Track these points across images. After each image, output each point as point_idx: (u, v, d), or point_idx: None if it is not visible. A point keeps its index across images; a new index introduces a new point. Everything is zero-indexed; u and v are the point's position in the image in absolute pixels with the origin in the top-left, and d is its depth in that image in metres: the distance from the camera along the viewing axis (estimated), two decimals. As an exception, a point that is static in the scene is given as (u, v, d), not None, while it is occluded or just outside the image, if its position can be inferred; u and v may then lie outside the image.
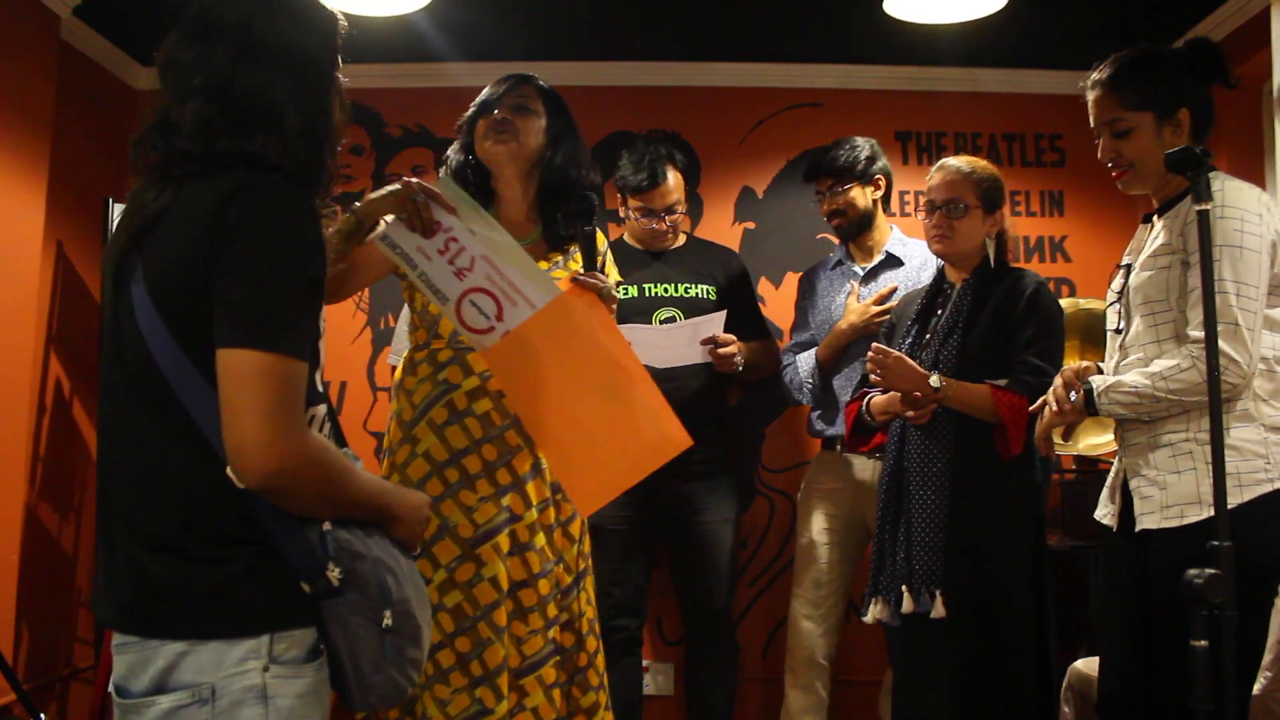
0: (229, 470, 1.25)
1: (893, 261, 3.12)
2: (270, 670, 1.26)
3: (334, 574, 1.28)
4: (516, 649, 2.24)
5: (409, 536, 1.45)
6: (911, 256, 3.11)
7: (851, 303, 3.07)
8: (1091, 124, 2.19)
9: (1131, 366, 2.11)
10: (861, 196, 3.11)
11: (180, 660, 1.25)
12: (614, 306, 2.29)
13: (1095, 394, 2.08)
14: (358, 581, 1.30)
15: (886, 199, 3.20)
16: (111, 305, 1.38)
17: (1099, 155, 2.19)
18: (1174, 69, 2.13)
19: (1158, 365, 2.03)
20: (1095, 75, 2.17)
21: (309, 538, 1.28)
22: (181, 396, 1.27)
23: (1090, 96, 2.18)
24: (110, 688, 1.33)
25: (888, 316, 2.96)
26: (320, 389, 1.40)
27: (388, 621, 1.32)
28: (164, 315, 1.28)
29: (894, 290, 3.02)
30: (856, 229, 3.14)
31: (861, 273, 3.14)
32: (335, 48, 1.46)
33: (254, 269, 1.24)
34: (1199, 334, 1.95)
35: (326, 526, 1.29)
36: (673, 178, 3.08)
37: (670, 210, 3.09)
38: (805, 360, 3.14)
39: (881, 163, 3.14)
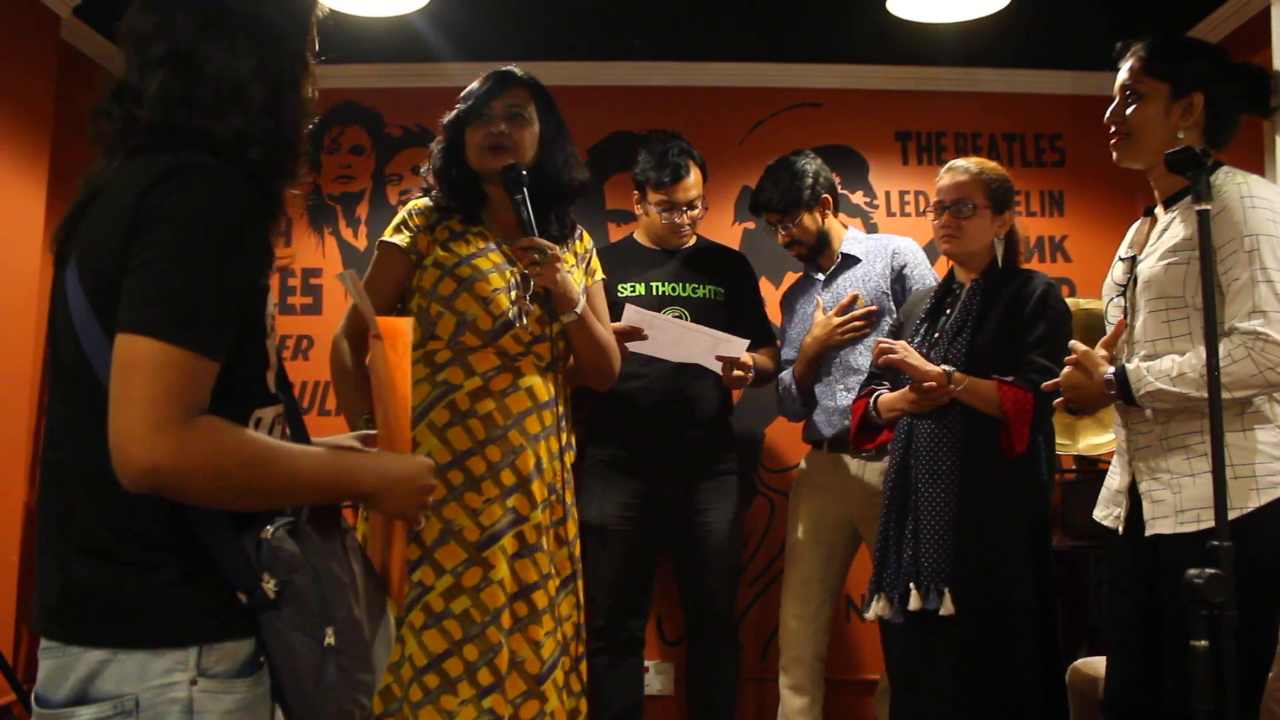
0: None
1: (849, 261, 3.15)
2: (198, 684, 1.18)
3: (269, 585, 1.19)
4: (535, 654, 2.22)
5: (401, 510, 1.36)
6: (867, 252, 3.15)
7: (818, 316, 3.11)
8: (1114, 89, 2.17)
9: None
10: (812, 221, 3.13)
11: (102, 669, 1.18)
12: (558, 277, 2.26)
13: (1136, 393, 2.01)
14: (295, 595, 1.21)
15: (837, 206, 3.22)
16: (51, 290, 1.29)
17: (1105, 118, 2.17)
18: (1208, 58, 2.12)
19: (1198, 359, 1.94)
20: (1134, 44, 2.15)
21: (244, 545, 1.20)
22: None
23: (1123, 65, 2.16)
24: (32, 697, 1.25)
25: (856, 324, 3.01)
26: (273, 390, 1.32)
27: (330, 640, 1.23)
28: (92, 303, 1.20)
29: (854, 299, 3.06)
30: (816, 251, 3.18)
31: (822, 278, 3.18)
32: (307, 25, 1.37)
33: (162, 255, 1.15)
34: (1247, 324, 1.92)
35: (266, 534, 1.20)
36: (694, 173, 3.10)
37: (691, 205, 3.10)
38: (784, 379, 3.19)
39: (823, 180, 3.14)
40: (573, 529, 2.39)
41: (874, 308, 3.04)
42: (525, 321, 2.29)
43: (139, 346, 1.13)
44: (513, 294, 2.29)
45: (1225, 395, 1.92)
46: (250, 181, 1.24)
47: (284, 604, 1.20)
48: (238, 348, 1.22)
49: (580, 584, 2.40)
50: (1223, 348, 1.93)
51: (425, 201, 2.42)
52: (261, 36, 1.29)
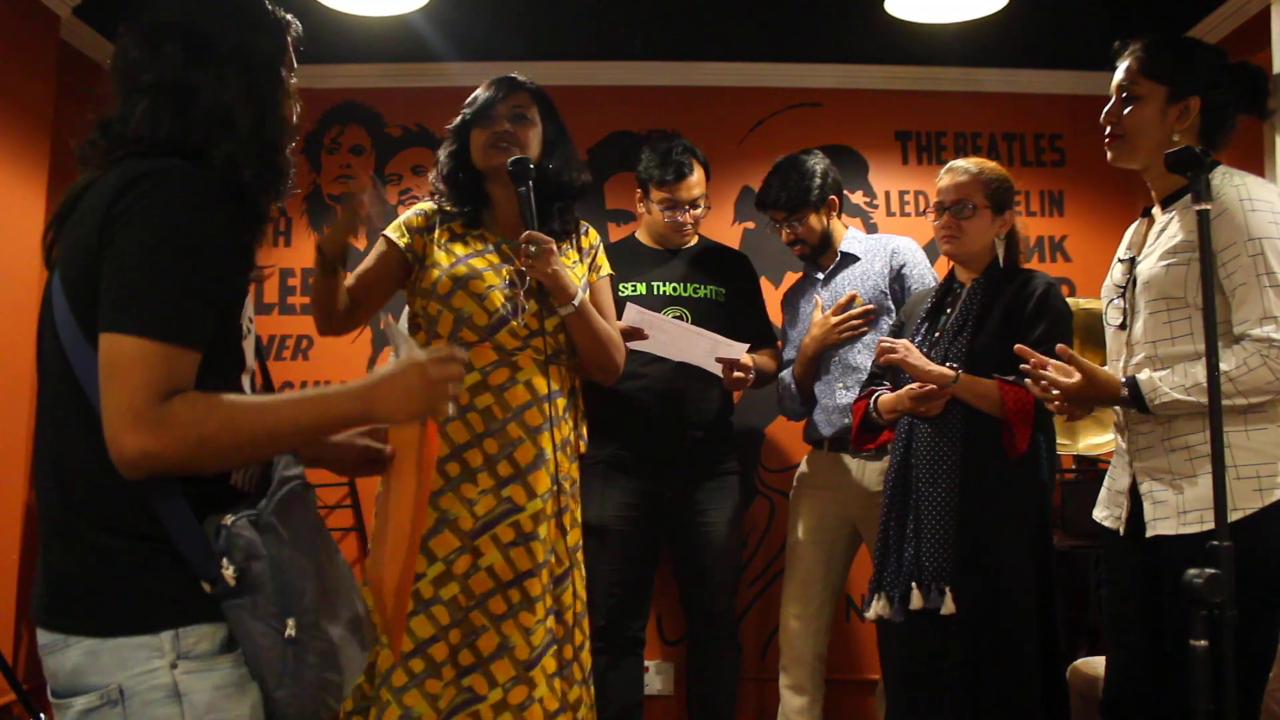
0: None
1: (848, 260, 3.15)
2: (179, 666, 1.21)
3: (228, 572, 1.21)
4: (525, 640, 2.25)
5: (417, 408, 1.34)
6: (866, 251, 3.15)
7: (816, 315, 3.12)
8: (1111, 88, 2.17)
9: (1140, 366, 2.09)
10: (817, 222, 3.13)
11: (88, 659, 1.22)
12: (552, 271, 2.29)
13: (1151, 403, 2.00)
14: (254, 583, 1.22)
15: (841, 207, 3.22)
16: (42, 294, 1.36)
17: (1101, 118, 2.17)
18: (1205, 60, 2.11)
19: (1222, 365, 1.92)
20: (1132, 44, 2.15)
21: (204, 532, 1.23)
22: (87, 389, 1.24)
23: (1120, 64, 2.15)
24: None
25: (854, 323, 3.01)
26: (248, 392, 1.36)
27: (290, 631, 1.24)
28: (72, 306, 1.26)
29: (853, 298, 3.06)
30: (818, 251, 3.18)
31: (822, 277, 3.19)
32: (286, 48, 1.42)
33: (133, 255, 1.20)
34: (1259, 331, 1.92)
35: (227, 520, 1.23)
36: (697, 172, 3.11)
37: (694, 204, 3.11)
38: (784, 378, 3.20)
39: (831, 180, 3.14)
40: (571, 519, 2.41)
41: (872, 307, 3.04)
42: (522, 317, 2.33)
43: (118, 344, 1.19)
44: (507, 290, 2.33)
45: (1241, 401, 1.94)
46: (234, 195, 1.30)
47: (244, 592, 1.22)
48: (211, 346, 1.25)
49: (579, 574, 2.43)
50: (1236, 355, 1.93)
51: (429, 205, 2.47)
52: (247, 63, 1.35)
